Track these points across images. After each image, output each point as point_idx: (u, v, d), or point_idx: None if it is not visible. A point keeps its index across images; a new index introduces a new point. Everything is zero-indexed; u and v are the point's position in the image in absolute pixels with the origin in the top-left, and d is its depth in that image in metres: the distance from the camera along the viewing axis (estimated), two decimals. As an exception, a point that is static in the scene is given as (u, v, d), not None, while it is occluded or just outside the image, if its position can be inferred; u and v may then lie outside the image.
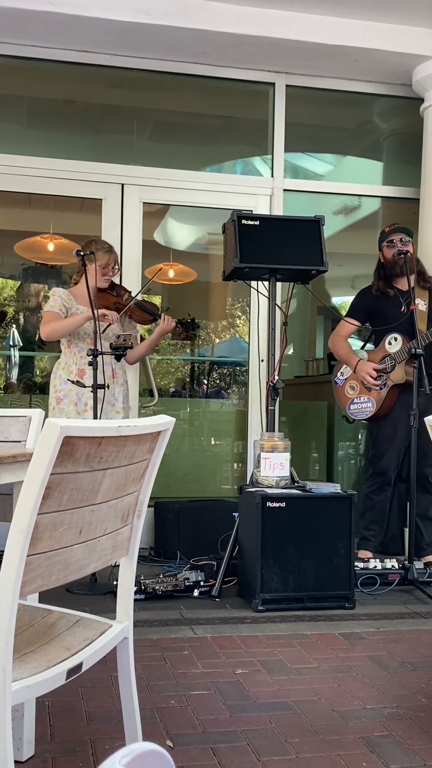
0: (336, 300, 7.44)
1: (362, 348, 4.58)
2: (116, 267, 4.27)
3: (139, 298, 4.34)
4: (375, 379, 4.24)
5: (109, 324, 4.09)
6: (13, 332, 6.90)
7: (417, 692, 2.52)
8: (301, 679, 2.62)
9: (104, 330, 4.07)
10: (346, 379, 4.46)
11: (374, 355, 4.36)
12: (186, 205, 5.31)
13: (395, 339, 4.24)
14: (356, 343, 4.68)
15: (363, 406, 4.34)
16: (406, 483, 4.32)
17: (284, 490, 3.62)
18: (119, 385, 4.23)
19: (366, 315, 4.43)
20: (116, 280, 4.40)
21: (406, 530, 4.30)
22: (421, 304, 4.27)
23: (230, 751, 2.06)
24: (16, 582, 1.36)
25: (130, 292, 4.32)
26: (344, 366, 4.48)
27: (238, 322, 7.74)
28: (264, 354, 4.72)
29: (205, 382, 7.25)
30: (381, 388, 4.25)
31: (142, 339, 4.54)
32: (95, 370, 3.78)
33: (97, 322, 3.84)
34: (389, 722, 2.27)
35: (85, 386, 3.94)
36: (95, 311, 3.86)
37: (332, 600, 3.54)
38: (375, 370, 4.25)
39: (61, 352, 4.25)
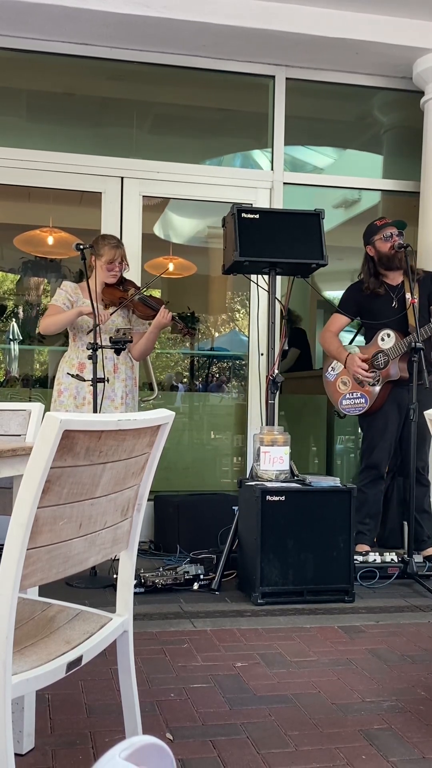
0: (336, 294, 7.42)
1: (350, 343, 4.56)
2: (124, 263, 4.20)
3: (144, 293, 4.29)
4: (367, 371, 4.23)
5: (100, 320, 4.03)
6: (13, 326, 6.90)
7: (416, 685, 2.53)
8: (301, 672, 2.63)
9: (95, 326, 4.01)
10: (337, 374, 4.44)
11: (366, 351, 4.33)
12: (186, 198, 5.30)
13: (388, 335, 4.22)
14: (347, 337, 4.66)
15: (356, 402, 4.33)
16: (404, 477, 4.33)
17: (284, 484, 3.63)
18: (120, 380, 4.18)
19: (356, 310, 4.39)
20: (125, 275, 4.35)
21: (406, 524, 4.31)
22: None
23: (230, 744, 2.06)
24: (16, 575, 1.36)
25: (138, 288, 4.28)
26: (335, 361, 4.47)
27: (237, 315, 7.74)
28: (264, 348, 4.71)
29: (205, 375, 7.25)
30: (373, 384, 4.24)
31: None
32: (95, 363, 3.78)
33: (96, 318, 3.83)
34: (388, 715, 2.28)
35: (84, 380, 3.93)
36: (95, 307, 3.85)
37: (332, 593, 3.55)
38: (363, 361, 4.24)
39: (66, 345, 4.25)
